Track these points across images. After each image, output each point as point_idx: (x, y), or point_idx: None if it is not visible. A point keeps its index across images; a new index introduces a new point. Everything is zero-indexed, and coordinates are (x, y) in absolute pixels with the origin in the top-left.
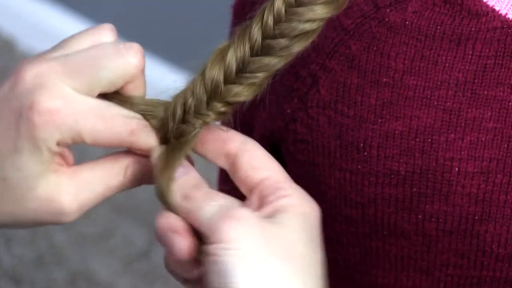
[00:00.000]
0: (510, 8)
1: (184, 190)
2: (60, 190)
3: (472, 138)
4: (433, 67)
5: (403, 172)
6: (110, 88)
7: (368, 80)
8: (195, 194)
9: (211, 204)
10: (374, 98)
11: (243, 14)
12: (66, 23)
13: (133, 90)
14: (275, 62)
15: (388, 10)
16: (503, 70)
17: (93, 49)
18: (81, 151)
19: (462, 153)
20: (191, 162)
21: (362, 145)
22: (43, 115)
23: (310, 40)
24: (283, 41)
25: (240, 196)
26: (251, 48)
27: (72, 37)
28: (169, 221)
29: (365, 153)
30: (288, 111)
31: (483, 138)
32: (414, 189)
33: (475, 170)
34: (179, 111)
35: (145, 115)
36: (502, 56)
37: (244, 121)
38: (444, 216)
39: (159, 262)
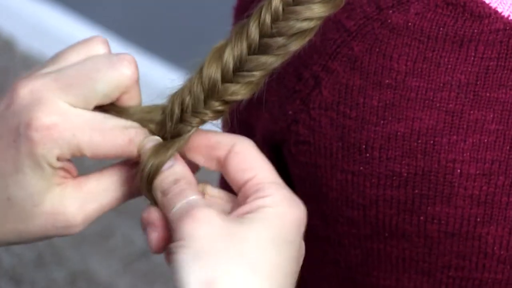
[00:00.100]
0: None
1: (163, 185)
2: (65, 203)
3: (474, 140)
4: (436, 68)
5: (405, 174)
6: (105, 100)
7: (370, 82)
8: (172, 189)
9: (181, 202)
10: (376, 99)
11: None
12: (66, 23)
13: (129, 101)
14: (272, 61)
15: (391, 11)
16: (505, 72)
17: (86, 62)
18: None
19: (464, 155)
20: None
21: (364, 146)
22: (41, 131)
23: (308, 38)
24: (280, 40)
25: None
26: (248, 46)
27: (64, 51)
28: (149, 213)
29: (367, 155)
30: (290, 112)
31: (485, 140)
32: (416, 191)
33: (477, 172)
34: (176, 110)
35: (143, 122)
36: (505, 58)
37: (245, 122)
38: (446, 218)
39: (159, 262)
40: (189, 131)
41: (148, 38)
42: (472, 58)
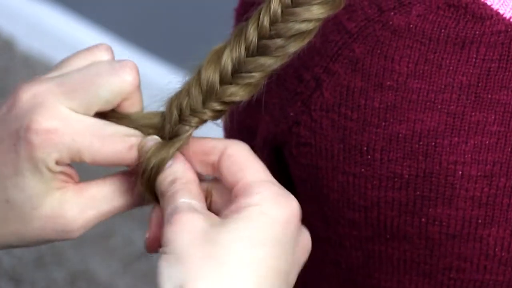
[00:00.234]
0: None
1: (161, 187)
2: (65, 207)
3: (475, 142)
4: (437, 70)
5: (407, 176)
6: (107, 106)
7: (371, 83)
8: (168, 191)
9: (170, 205)
10: (377, 101)
11: None
12: (66, 23)
13: (130, 107)
14: (270, 62)
15: (392, 13)
16: (507, 73)
17: (89, 68)
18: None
19: (466, 156)
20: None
21: (365, 148)
22: (41, 135)
23: (306, 40)
24: (279, 41)
25: None
26: (247, 48)
27: (68, 57)
28: (150, 212)
29: (369, 157)
30: (292, 114)
31: (487, 142)
32: (418, 193)
33: (479, 173)
34: (175, 112)
35: (144, 128)
36: (506, 59)
37: (246, 125)
38: (447, 219)
39: None
40: (187, 130)
41: (148, 38)
42: (474, 60)
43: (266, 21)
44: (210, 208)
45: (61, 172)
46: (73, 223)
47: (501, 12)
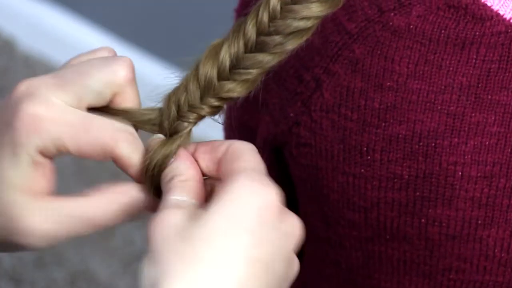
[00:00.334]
0: None
1: (163, 184)
2: (26, 213)
3: (475, 143)
4: (437, 71)
5: (406, 176)
6: (98, 100)
7: (371, 84)
8: (166, 187)
9: (161, 203)
10: (377, 102)
11: None
12: (66, 23)
13: (124, 103)
14: (268, 59)
15: (392, 14)
16: (507, 74)
17: (84, 63)
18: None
19: (466, 157)
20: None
21: (365, 149)
22: (25, 120)
23: (305, 38)
24: (277, 38)
25: None
26: (245, 44)
27: (71, 59)
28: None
29: (369, 157)
30: (292, 114)
31: (487, 143)
32: (417, 193)
33: (479, 174)
34: (173, 108)
35: (141, 124)
36: (506, 60)
37: (246, 125)
38: (447, 220)
39: None
40: (186, 127)
41: (148, 38)
42: (474, 60)
43: (265, 18)
44: None
45: (41, 165)
46: (28, 230)
47: (501, 13)
